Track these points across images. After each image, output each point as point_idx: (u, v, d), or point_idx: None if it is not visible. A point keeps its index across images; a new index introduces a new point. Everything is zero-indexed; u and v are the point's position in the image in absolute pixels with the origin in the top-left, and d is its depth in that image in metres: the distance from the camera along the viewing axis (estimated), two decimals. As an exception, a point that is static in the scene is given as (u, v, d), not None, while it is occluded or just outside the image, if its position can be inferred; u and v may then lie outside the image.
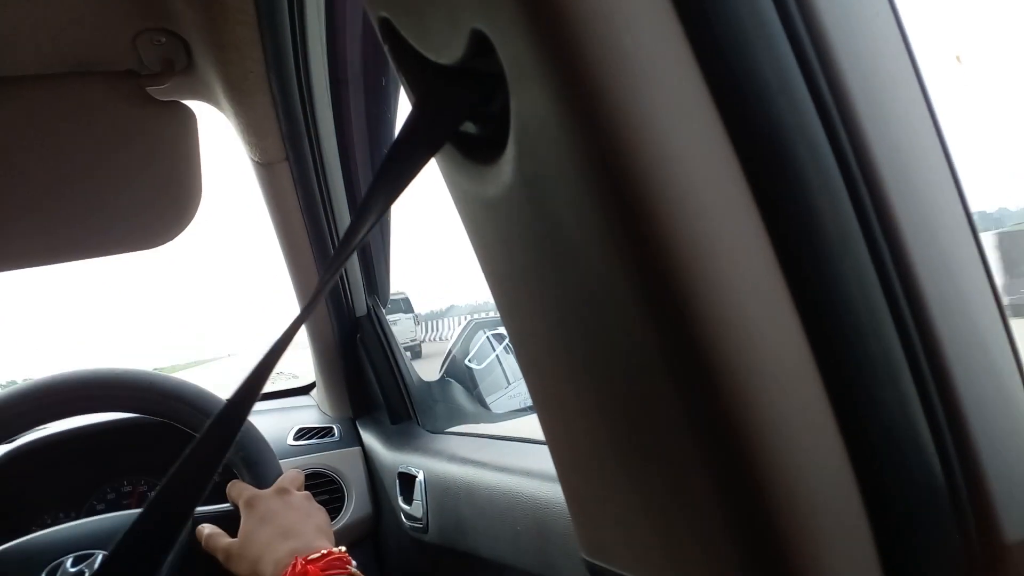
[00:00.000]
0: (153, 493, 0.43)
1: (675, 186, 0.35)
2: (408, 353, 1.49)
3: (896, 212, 0.36)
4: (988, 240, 0.42)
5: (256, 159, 1.19)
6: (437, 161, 0.51)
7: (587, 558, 0.54)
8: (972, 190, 0.39)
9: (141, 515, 0.43)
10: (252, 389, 0.44)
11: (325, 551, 0.80)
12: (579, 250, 0.40)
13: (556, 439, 0.53)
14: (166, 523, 0.43)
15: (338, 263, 0.46)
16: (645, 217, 0.35)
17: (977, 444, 0.37)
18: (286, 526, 0.87)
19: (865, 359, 0.37)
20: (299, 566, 0.78)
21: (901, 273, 0.37)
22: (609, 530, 0.50)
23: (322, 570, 0.77)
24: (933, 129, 0.39)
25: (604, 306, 0.40)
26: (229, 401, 0.44)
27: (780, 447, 0.36)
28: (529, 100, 0.38)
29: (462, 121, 0.44)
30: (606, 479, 0.48)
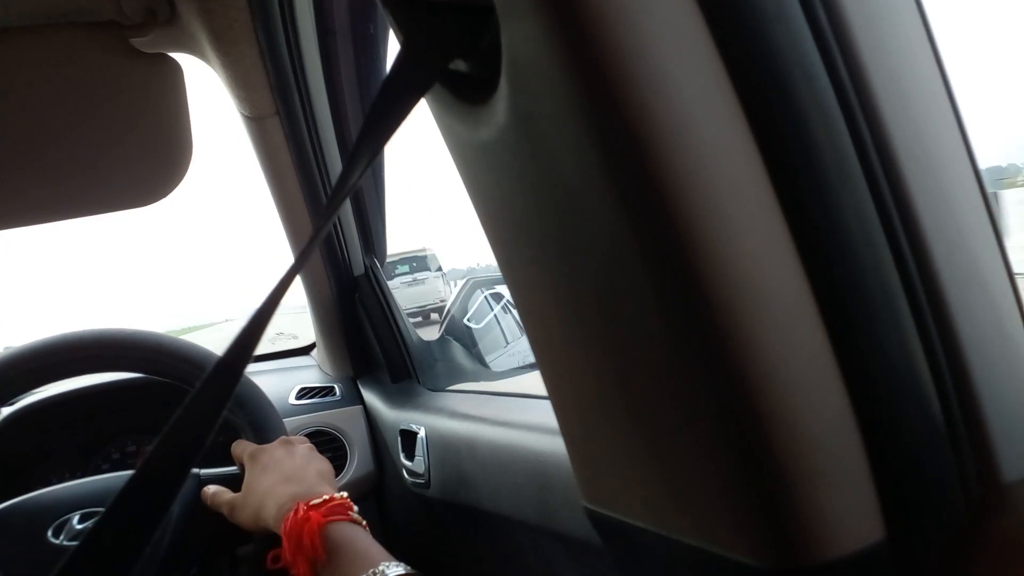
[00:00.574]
0: (148, 451, 0.43)
1: (672, 117, 0.34)
2: (436, 315, 1.48)
3: (896, 143, 0.36)
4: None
5: (246, 113, 1.17)
6: (429, 104, 0.49)
7: (588, 506, 0.54)
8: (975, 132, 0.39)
9: (137, 472, 0.42)
10: (248, 342, 0.44)
11: (327, 496, 0.80)
12: (577, 190, 0.39)
13: (557, 387, 0.53)
14: (164, 479, 0.43)
15: (332, 210, 0.45)
16: (643, 150, 0.34)
17: (977, 385, 0.37)
18: (288, 472, 0.87)
19: (866, 299, 0.36)
20: (301, 511, 0.77)
21: (902, 210, 0.36)
22: (610, 477, 0.50)
23: (324, 515, 0.77)
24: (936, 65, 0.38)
25: (605, 248, 0.39)
26: (224, 355, 0.43)
27: (781, 389, 0.36)
28: (520, 32, 0.37)
29: (452, 58, 0.43)
30: (608, 426, 0.47)
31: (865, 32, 0.35)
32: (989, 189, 0.38)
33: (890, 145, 0.35)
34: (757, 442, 0.36)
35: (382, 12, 0.49)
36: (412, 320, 1.46)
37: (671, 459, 0.42)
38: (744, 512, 0.38)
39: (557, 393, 0.53)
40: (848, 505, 0.37)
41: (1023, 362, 0.39)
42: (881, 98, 0.35)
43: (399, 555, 0.73)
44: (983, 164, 0.39)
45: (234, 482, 0.94)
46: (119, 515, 0.42)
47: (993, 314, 0.38)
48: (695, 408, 0.39)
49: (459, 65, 0.44)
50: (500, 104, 0.41)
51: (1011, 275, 0.39)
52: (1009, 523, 0.36)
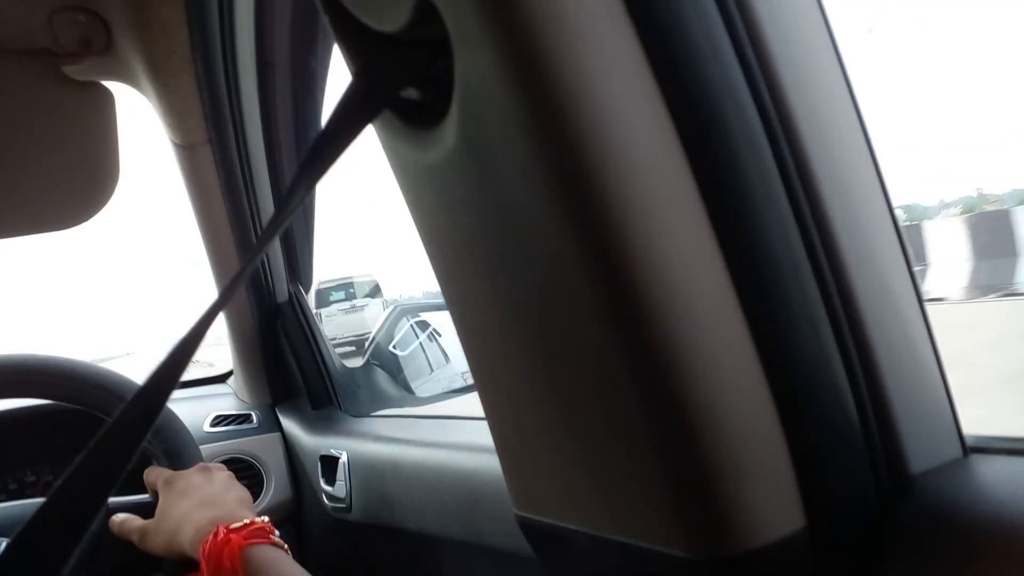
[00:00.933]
0: (61, 479, 0.41)
1: (614, 144, 0.37)
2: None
3: (813, 165, 0.40)
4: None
5: (177, 141, 1.17)
6: (376, 129, 0.51)
7: (519, 512, 0.56)
8: (885, 160, 0.43)
9: (48, 501, 0.41)
10: (172, 372, 0.43)
11: (247, 520, 0.79)
12: (521, 209, 0.42)
13: (492, 398, 0.55)
14: (76, 510, 0.41)
15: (269, 235, 0.46)
16: (585, 173, 0.37)
17: (887, 386, 0.41)
18: (207, 497, 0.85)
19: (787, 307, 0.40)
20: (221, 534, 0.76)
21: (820, 227, 0.40)
22: (542, 483, 0.52)
23: (245, 538, 0.75)
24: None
25: (543, 262, 0.42)
26: (146, 382, 0.43)
27: (707, 388, 0.39)
28: (474, 63, 0.39)
29: (404, 87, 0.45)
30: (541, 434, 0.50)
31: (788, 69, 0.39)
32: (896, 208, 0.43)
33: (808, 166, 0.40)
34: (684, 439, 0.39)
35: (327, 40, 0.51)
36: (345, 349, 1.45)
37: (602, 460, 0.45)
38: (671, 506, 0.41)
39: (492, 404, 0.55)
40: (770, 496, 0.40)
41: (928, 366, 0.43)
42: (802, 128, 0.39)
43: (321, 578, 0.72)
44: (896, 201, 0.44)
45: (145, 510, 0.90)
46: (25, 546, 0.41)
47: (901, 321, 0.42)
48: (626, 411, 0.41)
49: (410, 93, 0.46)
50: (449, 130, 0.43)
51: (916, 288, 0.43)
52: (915, 511, 0.40)
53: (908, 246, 0.43)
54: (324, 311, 9.85)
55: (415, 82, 0.46)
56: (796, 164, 0.40)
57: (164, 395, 0.43)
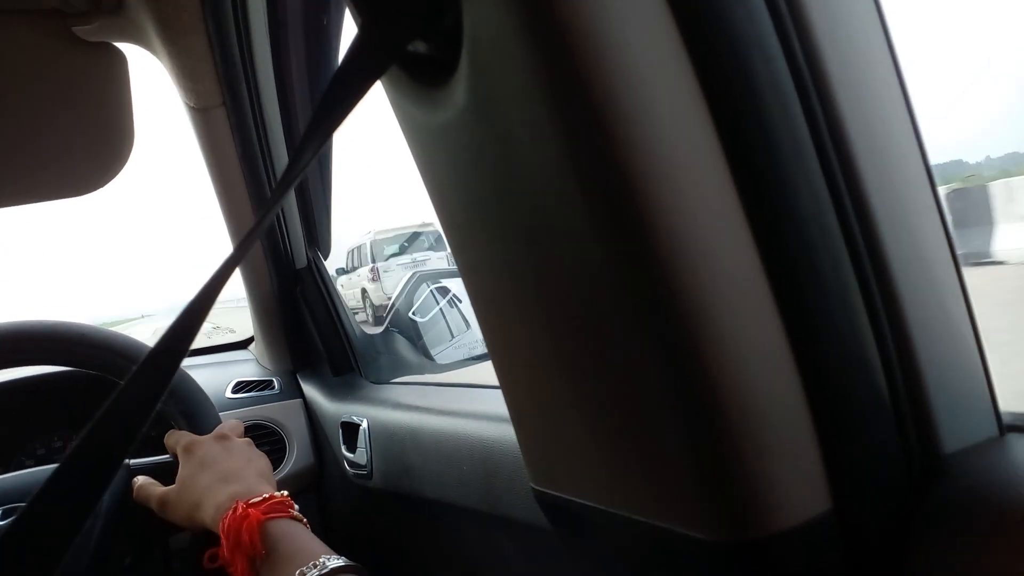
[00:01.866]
0: (74, 442, 0.41)
1: (633, 97, 0.35)
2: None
3: (848, 126, 0.37)
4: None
5: (191, 104, 1.15)
6: (384, 88, 0.50)
7: (536, 487, 0.55)
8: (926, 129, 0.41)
9: (61, 465, 0.41)
10: (186, 331, 0.43)
11: (267, 495, 0.79)
12: (535, 170, 0.40)
13: (507, 369, 0.53)
14: (91, 473, 0.42)
15: (281, 191, 0.45)
16: (603, 130, 0.35)
17: (921, 362, 0.39)
18: (227, 471, 0.85)
19: (816, 277, 0.37)
20: (240, 509, 0.76)
21: (852, 192, 0.37)
22: (559, 458, 0.51)
23: (263, 512, 0.76)
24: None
25: (560, 228, 0.40)
26: (159, 343, 0.42)
27: (732, 364, 0.37)
28: (483, 13, 0.37)
29: (411, 39, 0.44)
30: (558, 407, 0.48)
31: (820, 16, 0.37)
32: (936, 176, 0.40)
33: (843, 128, 0.37)
34: (707, 416, 0.37)
35: (339, 5, 0.49)
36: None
37: (621, 437, 0.43)
38: (694, 486, 0.39)
39: (507, 375, 0.54)
40: (796, 477, 0.38)
41: (965, 340, 0.41)
42: (835, 81, 0.37)
43: (340, 547, 0.73)
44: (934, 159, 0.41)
45: (166, 472, 0.91)
46: (42, 509, 0.41)
47: (937, 292, 0.40)
48: (646, 385, 0.40)
49: (418, 47, 0.44)
50: (459, 86, 0.41)
51: (955, 258, 0.41)
52: (949, 493, 0.38)
53: (946, 212, 0.41)
54: (381, 265, 9.51)
55: (423, 35, 0.44)
56: (827, 121, 0.37)
57: (179, 355, 0.43)
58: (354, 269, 10.36)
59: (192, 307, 0.43)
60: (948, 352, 0.40)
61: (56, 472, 0.41)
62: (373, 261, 9.79)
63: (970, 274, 0.41)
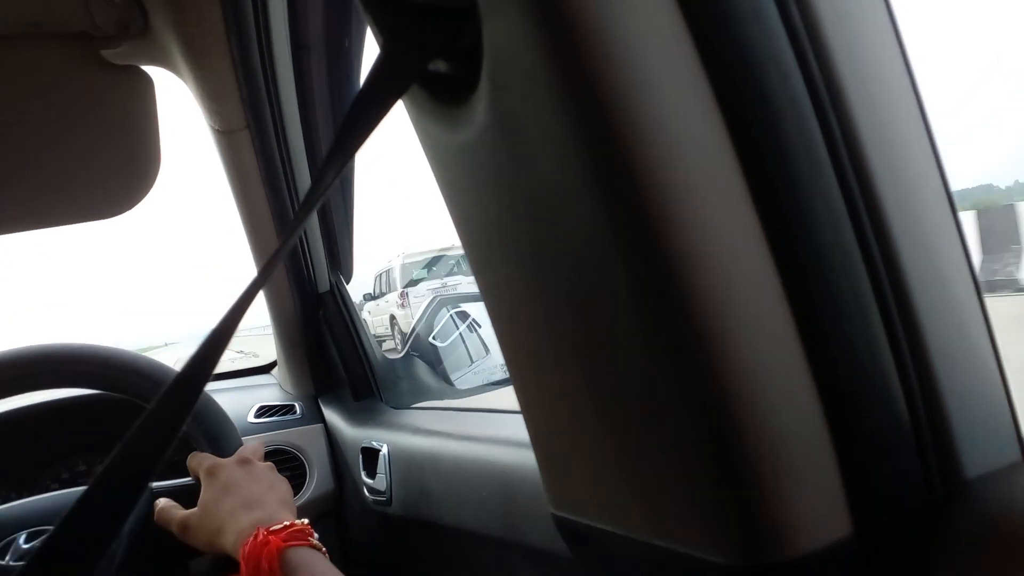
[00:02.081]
0: (102, 466, 0.41)
1: (652, 115, 0.35)
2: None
3: (866, 145, 0.37)
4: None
5: (216, 127, 1.17)
6: (406, 107, 0.50)
7: (556, 512, 0.54)
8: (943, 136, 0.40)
9: (89, 488, 0.41)
10: (210, 355, 0.43)
11: (287, 523, 0.80)
12: (556, 189, 0.39)
13: (527, 391, 0.53)
14: (118, 496, 0.42)
15: (305, 212, 0.45)
16: (623, 148, 0.35)
17: (941, 385, 0.38)
18: (249, 497, 0.86)
19: (836, 301, 0.37)
20: (260, 536, 0.77)
21: (872, 215, 0.37)
22: (578, 483, 0.50)
23: (284, 540, 0.76)
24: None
25: (580, 248, 0.40)
26: (185, 367, 0.42)
27: (751, 387, 0.36)
28: (503, 32, 0.37)
29: (432, 59, 0.44)
30: (577, 430, 0.48)
31: (837, 32, 0.36)
32: (954, 196, 0.40)
33: (860, 146, 0.36)
34: (727, 441, 0.37)
35: (360, 20, 0.49)
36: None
37: (640, 461, 0.43)
38: (714, 511, 0.39)
39: (527, 398, 0.53)
40: (816, 502, 0.37)
41: (986, 364, 0.40)
42: (852, 100, 0.36)
43: (359, 574, 0.72)
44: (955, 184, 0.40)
45: (187, 494, 0.91)
46: (70, 532, 0.41)
47: (958, 317, 0.39)
48: (665, 409, 0.39)
49: (439, 66, 0.44)
50: (479, 104, 0.41)
51: (975, 281, 0.40)
52: (971, 518, 0.37)
53: (965, 233, 0.40)
54: (411, 291, 8.95)
55: (443, 53, 0.44)
56: (845, 141, 0.37)
57: (203, 378, 0.43)
58: (382, 295, 9.97)
59: (217, 331, 0.43)
60: (969, 376, 0.39)
61: (84, 495, 0.41)
62: (402, 286, 9.35)
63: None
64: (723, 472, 0.38)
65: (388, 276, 9.94)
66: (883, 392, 0.37)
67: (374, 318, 9.51)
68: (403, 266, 9.59)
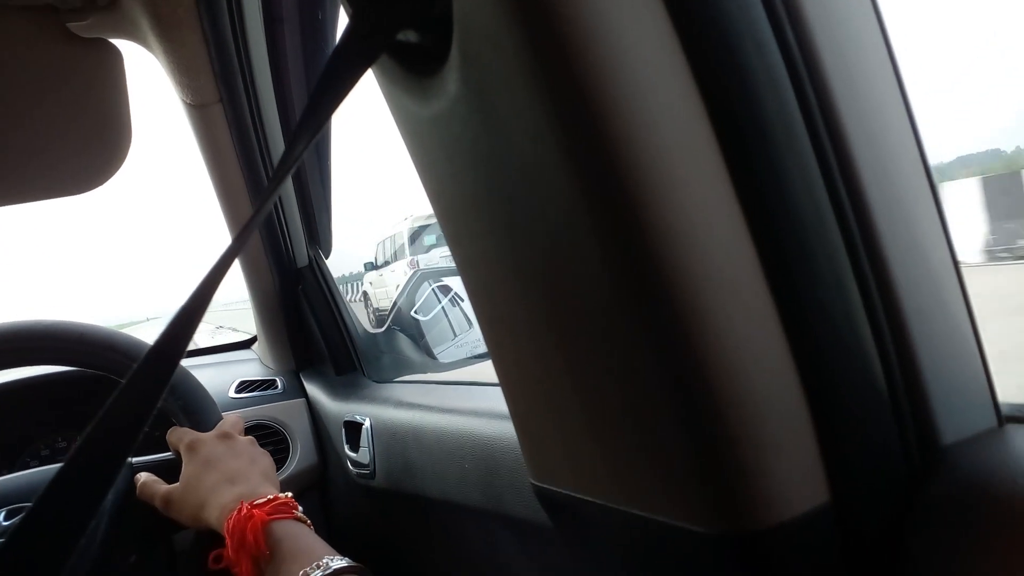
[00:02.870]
0: (77, 442, 0.41)
1: (626, 84, 0.34)
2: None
3: (842, 114, 0.36)
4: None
5: (188, 101, 1.15)
6: (377, 79, 0.49)
7: (536, 483, 0.55)
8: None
9: (65, 464, 0.41)
10: (185, 327, 0.42)
11: (271, 496, 0.80)
12: (529, 160, 0.39)
13: (505, 365, 0.53)
14: (95, 472, 0.41)
15: (276, 183, 0.45)
16: (595, 118, 0.34)
17: (918, 350, 0.38)
18: (231, 471, 0.86)
19: (813, 268, 0.37)
20: (244, 510, 0.77)
21: (848, 181, 0.37)
22: (557, 454, 0.51)
23: (268, 513, 0.76)
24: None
25: (554, 219, 0.40)
26: (159, 340, 0.42)
27: (728, 357, 0.36)
28: (473, 0, 0.37)
29: (402, 28, 0.43)
30: (555, 402, 0.48)
31: (813, 3, 0.36)
32: (932, 168, 0.40)
33: (836, 113, 0.36)
34: (703, 410, 0.37)
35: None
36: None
37: (618, 432, 0.43)
38: (692, 480, 0.39)
39: (505, 371, 0.53)
40: (794, 470, 0.37)
41: (962, 331, 0.40)
42: (828, 68, 0.36)
43: (344, 547, 0.73)
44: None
45: (169, 469, 0.91)
46: (48, 509, 0.41)
47: (934, 282, 0.39)
48: (642, 380, 0.39)
49: (409, 36, 0.44)
50: (451, 75, 0.41)
51: (952, 248, 0.40)
52: (947, 484, 0.37)
53: (943, 202, 0.40)
54: (423, 258, 8.08)
55: (413, 24, 0.43)
56: (821, 109, 0.36)
57: (178, 352, 0.43)
58: (386, 264, 9.17)
59: (191, 302, 0.42)
60: (946, 343, 0.39)
61: (60, 472, 0.41)
62: (413, 253, 8.50)
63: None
64: (700, 442, 0.38)
65: (394, 242, 9.12)
66: (860, 360, 0.38)
67: (376, 290, 8.64)
68: (412, 231, 8.78)
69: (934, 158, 0.39)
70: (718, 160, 0.36)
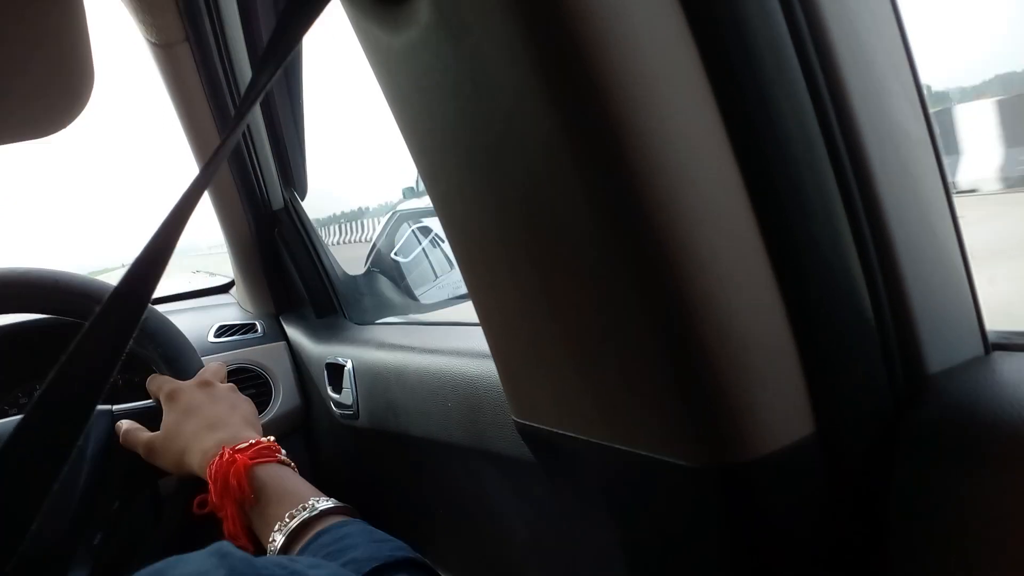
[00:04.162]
0: (40, 389, 0.39)
1: (607, 10, 0.33)
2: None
3: (834, 39, 0.35)
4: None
5: (152, 40, 1.11)
6: (345, 9, 0.47)
7: (518, 420, 0.54)
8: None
9: (28, 413, 0.39)
10: (149, 267, 0.41)
11: (253, 440, 0.80)
12: (504, 89, 0.38)
13: (485, 302, 0.52)
14: (63, 418, 0.40)
15: (242, 113, 0.43)
16: (583, 53, 0.33)
17: (905, 279, 0.37)
18: (212, 417, 0.85)
19: (800, 196, 0.36)
20: (227, 455, 0.77)
21: (838, 106, 0.36)
22: (540, 390, 0.50)
23: (251, 458, 0.76)
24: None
25: (533, 150, 0.38)
26: (124, 279, 0.40)
27: (713, 287, 0.36)
28: None
29: None
30: (536, 338, 0.47)
31: None
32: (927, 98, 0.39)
33: (828, 38, 0.35)
34: (688, 343, 0.36)
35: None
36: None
37: (602, 367, 0.42)
38: (676, 413, 0.39)
39: (486, 310, 0.53)
40: (779, 401, 0.37)
41: (951, 259, 0.39)
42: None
43: (329, 487, 0.73)
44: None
45: (150, 417, 0.90)
46: (15, 457, 0.39)
47: (924, 212, 0.38)
48: (626, 314, 0.39)
49: (378, -39, 0.42)
50: (423, 2, 0.39)
51: (942, 173, 0.39)
52: (933, 412, 0.37)
53: (935, 128, 0.39)
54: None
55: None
56: (812, 35, 0.35)
57: (146, 292, 0.41)
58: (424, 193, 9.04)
59: (158, 237, 0.41)
60: (934, 271, 0.39)
61: (24, 419, 0.39)
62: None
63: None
64: (685, 375, 0.37)
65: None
66: (848, 291, 0.37)
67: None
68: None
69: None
70: (707, 91, 0.35)
